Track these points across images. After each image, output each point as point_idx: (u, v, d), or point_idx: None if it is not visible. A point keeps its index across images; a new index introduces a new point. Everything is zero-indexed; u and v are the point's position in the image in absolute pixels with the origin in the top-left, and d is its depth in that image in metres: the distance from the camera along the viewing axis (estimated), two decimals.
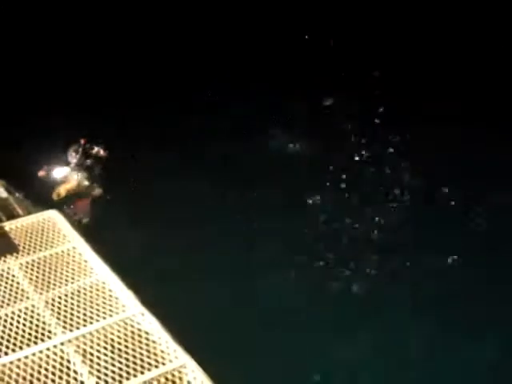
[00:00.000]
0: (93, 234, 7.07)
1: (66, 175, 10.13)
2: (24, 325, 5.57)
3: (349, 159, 12.49)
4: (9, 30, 16.33)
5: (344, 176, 11.97)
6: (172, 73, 15.56)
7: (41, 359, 5.20)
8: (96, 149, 10.42)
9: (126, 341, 5.37)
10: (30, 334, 5.47)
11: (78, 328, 5.51)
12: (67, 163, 10.24)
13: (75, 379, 5.03)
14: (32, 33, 16.41)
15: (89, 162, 10.35)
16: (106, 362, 5.15)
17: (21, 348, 5.32)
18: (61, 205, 9.56)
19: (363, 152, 12.63)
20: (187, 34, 16.91)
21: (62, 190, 9.99)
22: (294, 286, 9.56)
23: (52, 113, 13.26)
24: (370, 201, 11.46)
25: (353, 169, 12.21)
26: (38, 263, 6.40)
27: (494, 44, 15.91)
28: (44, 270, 6.28)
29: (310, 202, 11.48)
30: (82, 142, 10.31)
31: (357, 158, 12.57)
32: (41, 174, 9.57)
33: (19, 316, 5.67)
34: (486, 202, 11.36)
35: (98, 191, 10.38)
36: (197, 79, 15.19)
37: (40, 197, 9.23)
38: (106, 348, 5.30)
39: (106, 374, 5.06)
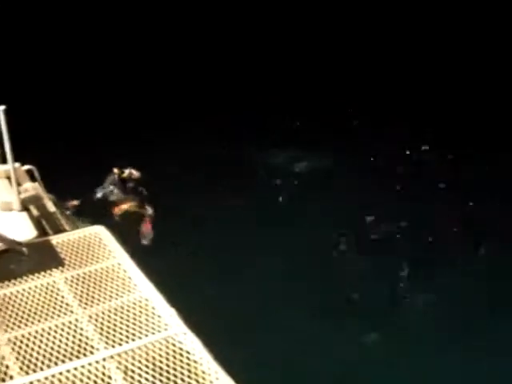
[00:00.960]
0: (137, 250, 7.06)
1: (114, 197, 10.40)
2: (67, 339, 5.59)
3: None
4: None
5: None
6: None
7: (82, 374, 5.21)
8: (127, 172, 10.65)
9: (167, 359, 5.35)
10: (72, 348, 5.49)
11: (120, 344, 5.51)
12: (110, 191, 10.50)
13: None
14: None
15: (129, 185, 10.59)
16: (146, 379, 5.13)
17: (63, 362, 5.34)
18: (121, 225, 9.81)
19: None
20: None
21: (118, 210, 10.21)
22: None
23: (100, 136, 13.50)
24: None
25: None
26: (83, 278, 6.44)
27: None
28: (88, 285, 6.32)
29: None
30: (115, 170, 10.59)
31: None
32: (71, 204, 9.72)
33: (63, 330, 5.70)
34: None
35: (149, 210, 10.55)
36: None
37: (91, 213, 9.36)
38: (147, 366, 5.28)
39: None
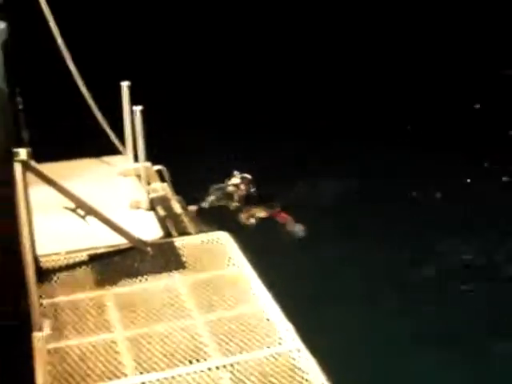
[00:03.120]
0: (260, 259, 6.96)
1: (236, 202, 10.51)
2: (183, 342, 5.58)
3: None
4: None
5: None
6: None
7: (195, 380, 5.17)
8: (237, 173, 10.70)
9: (280, 375, 5.21)
10: (187, 352, 5.47)
11: (234, 354, 5.43)
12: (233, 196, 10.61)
13: None
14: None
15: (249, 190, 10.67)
16: None
17: (177, 365, 5.33)
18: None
19: None
20: None
21: (255, 215, 10.33)
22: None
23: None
24: None
25: None
26: (203, 283, 6.43)
27: None
28: (208, 291, 6.30)
29: None
30: (239, 174, 10.69)
31: None
32: (191, 208, 9.75)
33: (179, 333, 5.70)
34: None
35: (276, 208, 10.58)
36: None
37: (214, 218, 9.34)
38: (259, 379, 5.17)
39: None
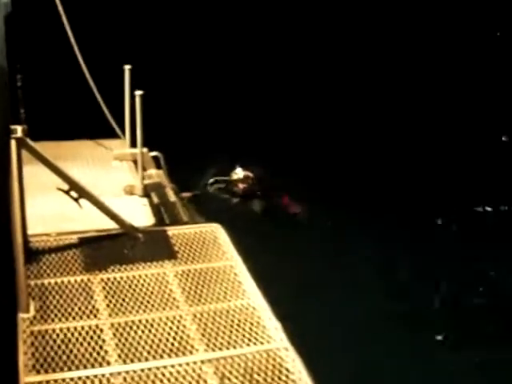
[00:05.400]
0: (252, 255, 6.88)
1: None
2: (169, 334, 5.49)
3: None
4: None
5: None
6: None
7: (178, 373, 5.08)
8: (239, 170, 10.69)
9: (265, 374, 5.13)
10: (172, 344, 5.38)
11: (220, 349, 5.36)
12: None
13: None
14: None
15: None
16: None
17: (161, 357, 5.24)
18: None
19: None
20: None
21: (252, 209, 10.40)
22: None
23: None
24: None
25: None
26: (194, 274, 6.35)
27: None
28: (197, 283, 6.21)
29: None
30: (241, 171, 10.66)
31: None
32: (185, 194, 9.67)
33: (166, 324, 5.62)
34: None
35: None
36: None
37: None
38: (244, 376, 5.09)
39: None
